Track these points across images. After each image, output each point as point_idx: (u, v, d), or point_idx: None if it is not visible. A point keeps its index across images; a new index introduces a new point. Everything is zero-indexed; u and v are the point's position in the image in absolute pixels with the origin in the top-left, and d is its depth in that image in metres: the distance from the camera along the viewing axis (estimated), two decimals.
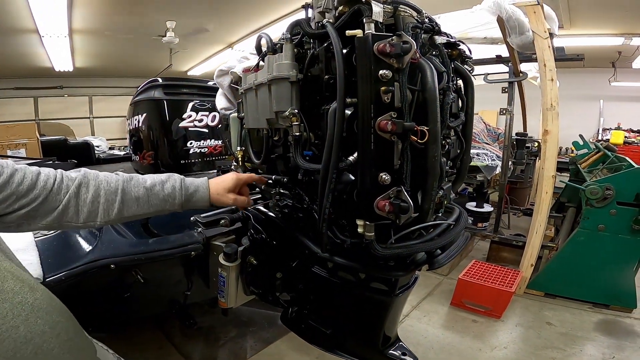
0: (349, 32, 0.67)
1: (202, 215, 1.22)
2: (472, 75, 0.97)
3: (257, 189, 1.23)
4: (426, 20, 0.85)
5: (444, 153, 0.82)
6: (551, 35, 2.26)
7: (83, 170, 0.79)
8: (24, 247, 1.16)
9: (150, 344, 1.99)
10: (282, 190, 1.06)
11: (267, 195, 1.20)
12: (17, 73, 6.52)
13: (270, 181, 1.02)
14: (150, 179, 0.85)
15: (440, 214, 0.88)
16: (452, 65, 0.90)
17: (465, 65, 0.96)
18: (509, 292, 2.35)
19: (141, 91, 2.16)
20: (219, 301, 1.14)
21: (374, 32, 0.65)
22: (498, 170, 3.43)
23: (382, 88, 0.62)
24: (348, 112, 0.69)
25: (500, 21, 2.21)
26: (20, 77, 6.73)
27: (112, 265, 1.04)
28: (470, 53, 0.95)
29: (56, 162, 2.35)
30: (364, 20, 0.66)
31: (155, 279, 1.27)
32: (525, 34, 2.21)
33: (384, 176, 0.64)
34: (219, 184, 0.92)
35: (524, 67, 2.97)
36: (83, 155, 2.97)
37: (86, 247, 1.13)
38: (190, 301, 1.43)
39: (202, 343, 2.07)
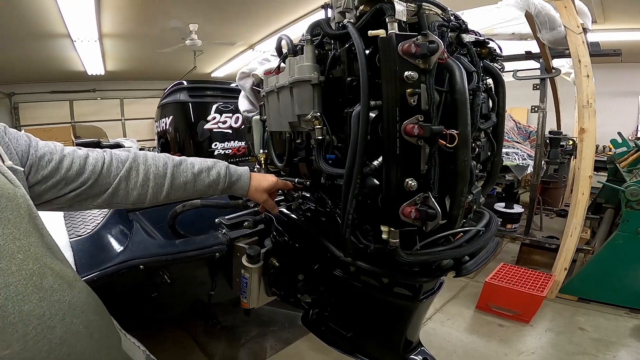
0: (371, 33, 0.65)
1: (226, 217, 1.25)
2: (502, 73, 0.93)
3: (280, 191, 1.24)
4: (452, 17, 0.82)
5: (474, 156, 0.78)
6: (584, 30, 2.13)
7: (133, 152, 0.82)
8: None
9: (174, 342, 2.04)
10: (305, 194, 1.06)
11: (290, 198, 1.20)
12: (52, 77, 6.87)
13: (305, 183, 1.02)
14: (197, 164, 0.87)
15: (469, 219, 0.84)
16: (482, 64, 0.86)
17: (495, 64, 0.91)
18: (540, 297, 2.24)
19: (167, 94, 2.22)
20: (241, 302, 1.16)
21: (398, 32, 0.63)
22: (529, 170, 3.28)
23: (408, 90, 0.60)
24: (372, 114, 0.67)
25: (528, 16, 2.10)
26: (56, 80, 7.09)
27: (141, 266, 1.07)
28: (501, 50, 0.90)
29: None
30: (387, 19, 0.64)
31: (181, 279, 1.30)
32: (557, 29, 2.09)
33: (410, 182, 0.61)
34: (260, 181, 0.95)
35: (556, 62, 2.82)
36: None
37: (117, 248, 1.17)
38: (214, 301, 1.45)
39: (224, 342, 2.10)
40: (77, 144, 2.80)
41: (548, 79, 2.89)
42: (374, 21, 0.68)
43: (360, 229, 0.78)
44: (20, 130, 0.72)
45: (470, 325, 2.30)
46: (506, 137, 3.78)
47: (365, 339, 0.97)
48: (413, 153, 0.61)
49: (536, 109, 2.96)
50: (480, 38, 0.83)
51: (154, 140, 2.70)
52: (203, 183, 0.87)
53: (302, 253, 1.03)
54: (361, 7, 0.71)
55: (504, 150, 3.54)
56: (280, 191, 1.22)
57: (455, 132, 0.60)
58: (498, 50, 0.89)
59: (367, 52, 0.67)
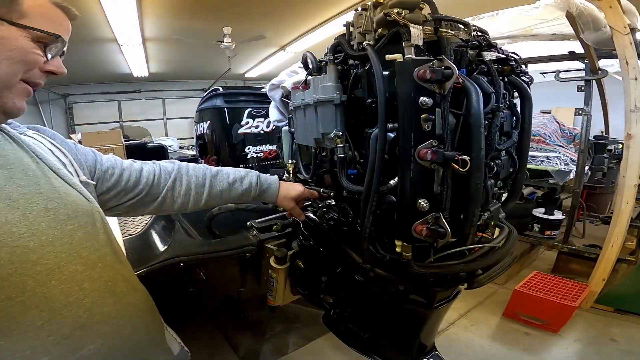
0: (388, 57, 0.68)
1: (257, 220, 1.34)
2: (528, 86, 0.92)
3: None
4: (474, 33, 0.83)
5: (492, 175, 0.80)
6: (632, 30, 1.99)
7: (177, 164, 0.93)
8: None
9: (203, 334, 2.15)
10: (329, 202, 1.12)
11: (316, 205, 1.27)
12: (102, 79, 7.40)
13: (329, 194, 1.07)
14: (232, 174, 0.97)
15: (486, 234, 0.86)
16: (507, 79, 0.87)
17: (522, 77, 0.91)
18: (571, 307, 2.15)
19: (205, 100, 2.36)
20: (267, 299, 1.24)
21: (414, 57, 0.65)
22: (572, 175, 3.10)
23: (423, 116, 0.63)
24: (391, 135, 0.71)
25: (570, 17, 2.00)
26: (106, 82, 7.63)
27: (181, 264, 1.19)
28: (526, 67, 0.90)
29: None
30: (403, 44, 0.66)
31: (215, 276, 1.41)
32: (602, 29, 1.97)
33: (422, 203, 0.65)
34: (288, 190, 1.03)
35: (603, 63, 2.65)
36: (159, 157, 3.36)
37: (161, 247, 1.30)
38: (242, 297, 1.55)
39: (249, 336, 2.19)
40: (127, 146, 3.06)
41: (594, 81, 2.72)
42: (392, 43, 0.70)
43: (378, 239, 0.83)
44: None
45: (494, 332, 2.26)
46: (547, 141, 3.60)
47: (380, 340, 1.02)
48: (426, 176, 0.65)
49: (580, 112, 2.80)
50: (502, 55, 0.84)
51: (192, 138, 2.87)
52: (237, 191, 0.96)
53: (326, 257, 1.09)
54: (379, 30, 0.74)
55: (544, 154, 3.35)
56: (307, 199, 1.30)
57: (468, 157, 0.62)
58: (523, 67, 0.89)
59: (386, 73, 0.69)
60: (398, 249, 0.72)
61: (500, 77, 0.83)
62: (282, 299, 1.23)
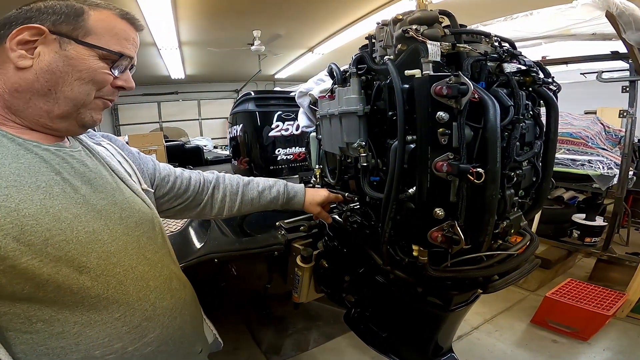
0: (407, 72, 0.70)
1: (285, 220, 1.41)
2: (555, 94, 0.92)
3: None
4: (496, 44, 0.84)
5: (511, 185, 0.81)
6: None
7: (216, 174, 1.04)
8: None
9: (229, 327, 2.26)
10: (353, 206, 1.17)
11: (340, 208, 1.32)
12: (144, 81, 7.85)
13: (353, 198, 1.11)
14: (262, 183, 1.07)
15: (505, 241, 0.88)
16: (530, 90, 0.87)
17: (550, 85, 0.91)
18: (604, 315, 2.06)
19: (238, 104, 2.48)
20: (292, 296, 1.31)
21: (432, 74, 0.68)
22: (615, 180, 2.94)
23: (439, 130, 0.66)
24: (411, 146, 0.74)
25: (610, 17, 1.90)
26: (146, 84, 8.07)
27: (215, 260, 1.29)
28: (549, 76, 0.90)
29: (178, 167, 2.93)
30: (421, 60, 0.69)
31: (245, 272, 1.51)
32: None
33: (438, 211, 0.69)
34: (313, 196, 1.10)
35: None
36: (195, 157, 3.66)
37: (198, 243, 1.41)
38: (268, 293, 1.64)
39: (272, 331, 2.29)
40: (167, 147, 3.27)
41: (639, 82, 2.56)
42: (412, 58, 0.73)
43: (398, 243, 0.88)
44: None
45: (519, 339, 2.21)
46: (590, 144, 3.41)
47: (398, 340, 1.06)
48: (442, 186, 0.69)
49: (624, 114, 2.65)
50: (523, 67, 0.84)
51: (226, 138, 3.01)
52: (266, 199, 1.05)
53: (349, 258, 1.14)
54: (399, 46, 0.77)
55: (586, 157, 3.18)
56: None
57: (482, 170, 0.64)
58: (543, 76, 0.89)
59: (405, 86, 0.72)
60: (415, 253, 0.76)
61: (523, 88, 0.84)
62: (306, 296, 1.29)
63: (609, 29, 2.02)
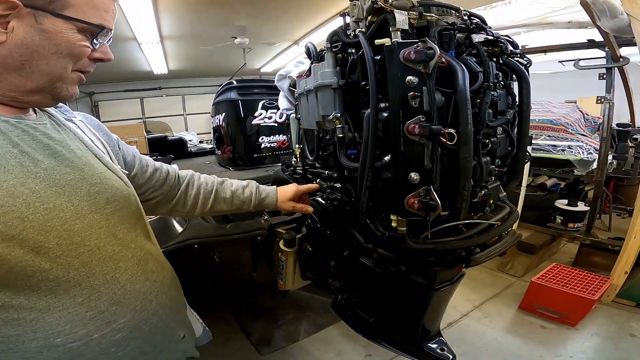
0: (377, 42, 0.72)
1: None
2: (526, 68, 0.93)
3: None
4: (465, 17, 0.85)
5: (487, 152, 0.82)
6: None
7: (191, 172, 1.03)
8: None
9: (217, 319, 2.23)
10: (333, 184, 1.16)
11: (322, 190, 1.30)
12: (125, 77, 7.65)
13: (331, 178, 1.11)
14: (235, 184, 1.06)
15: (485, 212, 0.88)
16: (502, 61, 0.88)
17: (520, 59, 0.92)
18: (590, 300, 2.10)
19: (220, 93, 2.44)
20: (278, 283, 1.29)
21: (400, 40, 0.69)
22: (595, 165, 3.01)
23: (410, 94, 0.67)
24: (385, 114, 0.74)
25: (584, 4, 1.93)
26: (128, 80, 7.90)
27: (195, 245, 1.26)
28: (517, 47, 0.91)
29: (158, 157, 2.85)
30: (390, 29, 0.70)
31: (228, 259, 1.48)
32: (619, 17, 1.89)
33: (413, 176, 0.69)
34: (283, 194, 1.09)
35: (625, 51, 2.54)
36: (178, 149, 3.55)
37: (179, 229, 1.38)
38: (256, 282, 1.61)
39: (262, 322, 2.26)
40: (149, 139, 3.20)
41: (615, 68, 2.61)
42: (382, 29, 0.74)
43: (377, 216, 0.87)
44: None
45: (508, 325, 2.24)
46: (570, 130, 3.49)
47: (385, 325, 1.05)
48: (416, 150, 0.68)
49: (601, 100, 2.71)
50: (491, 37, 0.85)
51: (211, 132, 2.97)
52: (238, 199, 1.04)
53: (333, 239, 1.13)
54: (369, 18, 0.78)
55: (566, 143, 3.25)
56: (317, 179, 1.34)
57: (454, 131, 0.65)
58: (511, 47, 0.89)
59: (377, 58, 0.74)
60: (393, 224, 0.75)
61: (494, 59, 0.84)
62: (292, 283, 1.27)
63: (585, 17, 2.05)
